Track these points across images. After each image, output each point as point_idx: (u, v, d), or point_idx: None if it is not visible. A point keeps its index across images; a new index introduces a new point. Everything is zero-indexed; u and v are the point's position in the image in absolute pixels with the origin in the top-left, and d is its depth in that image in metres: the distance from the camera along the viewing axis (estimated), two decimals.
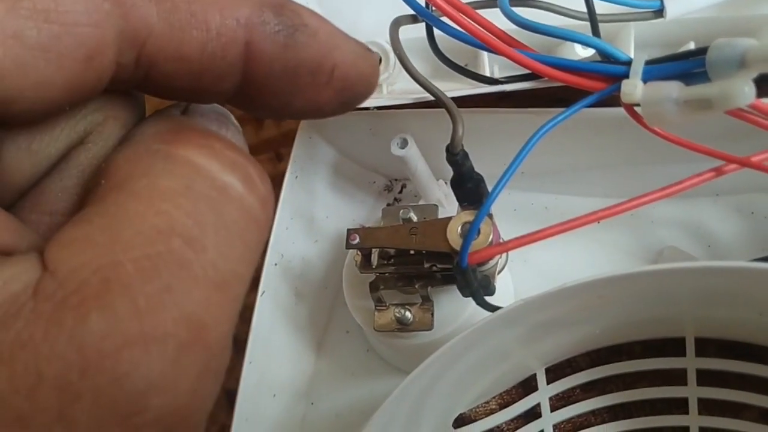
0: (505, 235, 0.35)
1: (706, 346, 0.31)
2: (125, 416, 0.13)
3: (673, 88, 0.23)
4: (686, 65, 0.23)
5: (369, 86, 0.20)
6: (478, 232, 0.27)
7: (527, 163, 0.33)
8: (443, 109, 0.26)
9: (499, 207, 0.36)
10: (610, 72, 0.25)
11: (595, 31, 0.29)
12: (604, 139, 0.32)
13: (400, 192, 0.38)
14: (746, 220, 0.33)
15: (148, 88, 0.18)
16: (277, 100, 0.18)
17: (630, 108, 0.25)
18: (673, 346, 0.31)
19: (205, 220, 0.15)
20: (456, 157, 0.26)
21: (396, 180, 0.38)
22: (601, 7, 0.32)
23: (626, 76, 0.25)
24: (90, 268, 0.14)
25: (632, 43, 0.36)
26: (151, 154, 0.16)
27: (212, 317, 0.14)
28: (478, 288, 0.26)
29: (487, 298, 0.28)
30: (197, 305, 0.14)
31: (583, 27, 0.30)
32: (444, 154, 0.27)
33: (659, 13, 0.31)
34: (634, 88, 0.24)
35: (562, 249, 0.34)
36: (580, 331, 0.30)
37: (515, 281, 0.35)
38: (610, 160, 0.34)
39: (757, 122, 0.25)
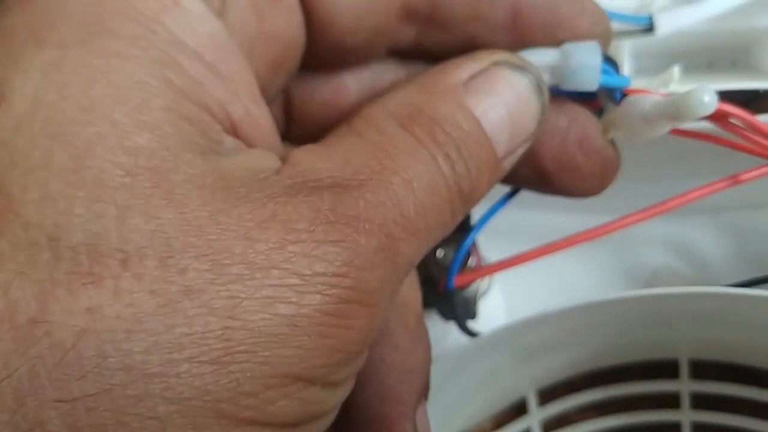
0: (500, 252, 0.35)
1: (702, 369, 0.30)
2: None
3: (644, 106, 0.22)
4: None
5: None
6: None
7: None
8: None
9: (492, 224, 0.35)
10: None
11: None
12: None
13: None
14: (741, 238, 0.32)
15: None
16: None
17: None
18: (670, 368, 0.31)
19: (419, 180, 0.16)
20: None
21: None
22: None
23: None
24: (326, 171, 0.15)
25: (626, 61, 0.36)
26: (388, 125, 0.17)
27: (406, 245, 0.15)
28: (459, 312, 0.26)
29: (473, 322, 0.28)
30: (400, 229, 0.15)
31: None
32: None
33: (649, 30, 0.31)
34: (611, 115, 0.23)
35: (556, 268, 0.34)
36: (569, 353, 0.30)
37: (509, 301, 0.34)
38: None
39: (748, 137, 0.25)
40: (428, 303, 0.29)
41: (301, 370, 0.13)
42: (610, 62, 0.23)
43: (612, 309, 0.26)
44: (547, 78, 0.19)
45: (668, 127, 0.22)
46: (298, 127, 0.20)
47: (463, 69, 0.18)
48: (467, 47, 0.19)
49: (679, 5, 0.31)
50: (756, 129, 0.23)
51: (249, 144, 0.16)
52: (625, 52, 0.36)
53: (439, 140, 0.16)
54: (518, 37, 0.19)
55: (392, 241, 0.15)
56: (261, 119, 0.16)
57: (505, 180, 0.20)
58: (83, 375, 0.12)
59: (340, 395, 0.15)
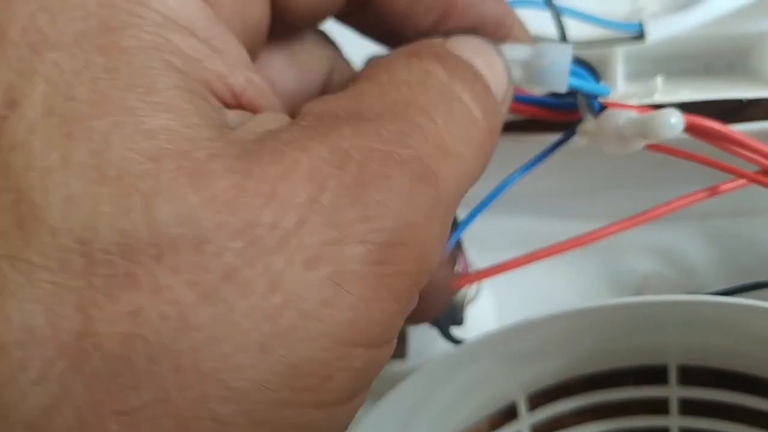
0: (489, 260, 0.35)
1: (691, 375, 0.31)
2: None
3: (618, 122, 0.23)
4: None
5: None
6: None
7: (512, 188, 0.33)
8: None
9: (484, 230, 0.36)
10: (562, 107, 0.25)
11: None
12: (586, 165, 0.32)
13: None
14: (727, 245, 0.32)
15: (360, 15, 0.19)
16: None
17: None
18: (658, 374, 0.31)
19: (435, 106, 0.15)
20: None
21: None
22: (581, 30, 0.32)
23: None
24: (340, 108, 0.15)
25: (619, 68, 0.36)
26: (393, 59, 0.17)
27: (443, 171, 0.15)
28: (444, 320, 0.26)
29: (461, 328, 0.28)
30: (429, 156, 0.14)
31: None
32: None
33: (640, 37, 0.31)
34: (588, 125, 0.24)
35: (547, 273, 0.34)
36: (558, 359, 0.30)
37: (499, 307, 0.34)
38: (593, 185, 0.33)
39: (725, 148, 0.25)
40: None
41: (354, 334, 0.13)
42: (590, 69, 0.23)
43: (599, 316, 0.26)
44: (519, 74, 0.20)
45: (641, 144, 0.22)
46: None
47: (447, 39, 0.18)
48: (397, 31, 0.19)
49: (670, 11, 0.31)
50: (732, 141, 0.23)
51: (255, 111, 0.15)
52: (619, 56, 0.36)
53: (447, 65, 0.16)
54: (447, 21, 0.19)
55: (427, 170, 0.14)
56: (262, 85, 0.16)
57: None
58: (137, 383, 0.11)
59: (389, 352, 0.14)
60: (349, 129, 0.14)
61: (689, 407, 0.30)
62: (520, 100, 0.26)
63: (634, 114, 0.22)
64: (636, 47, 0.33)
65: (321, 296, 0.12)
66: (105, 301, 0.11)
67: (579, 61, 0.22)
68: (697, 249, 0.33)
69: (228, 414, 0.12)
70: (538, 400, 0.32)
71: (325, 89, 0.20)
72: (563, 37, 0.29)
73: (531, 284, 0.34)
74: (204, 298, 0.12)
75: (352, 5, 0.19)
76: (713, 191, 0.24)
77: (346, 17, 0.20)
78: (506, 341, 0.26)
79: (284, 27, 0.18)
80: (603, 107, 0.23)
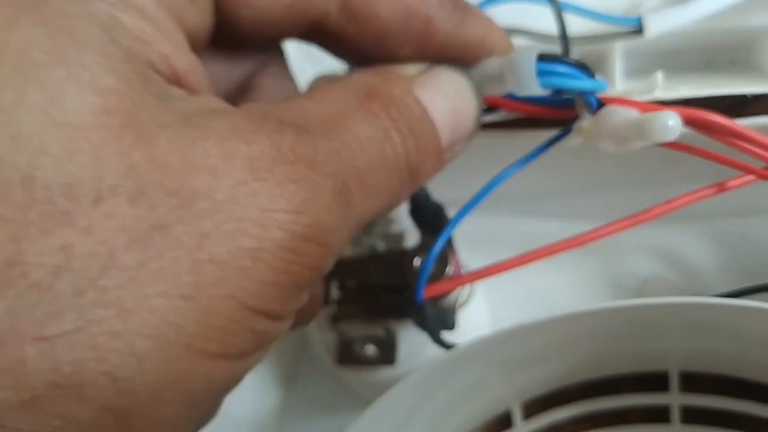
0: (485, 259, 0.34)
1: (693, 381, 0.29)
2: None
3: (615, 120, 0.22)
4: None
5: None
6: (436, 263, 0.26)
7: (508, 186, 0.32)
8: None
9: (477, 230, 0.34)
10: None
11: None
12: (585, 163, 0.31)
13: None
14: (732, 245, 0.31)
15: (332, 42, 0.20)
16: None
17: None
18: (660, 381, 0.30)
19: (370, 142, 0.17)
20: None
21: None
22: (580, 25, 0.31)
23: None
24: (287, 115, 0.16)
25: (617, 64, 0.35)
26: (346, 96, 0.18)
27: (357, 195, 0.17)
28: (434, 324, 0.25)
29: (454, 333, 0.27)
30: (352, 179, 0.16)
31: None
32: None
33: (638, 31, 0.30)
34: (583, 125, 0.23)
35: (543, 276, 0.33)
36: (554, 365, 0.29)
37: (494, 309, 0.33)
38: (593, 183, 0.32)
39: (731, 143, 0.24)
40: (405, 313, 0.28)
41: (260, 303, 0.14)
42: (581, 66, 0.22)
43: (597, 319, 0.25)
44: (500, 86, 0.20)
45: (639, 145, 0.21)
46: None
47: (411, 66, 0.19)
48: (377, 51, 0.20)
49: (669, 6, 0.30)
50: (737, 136, 0.22)
51: (194, 93, 0.16)
52: (617, 52, 0.35)
53: (392, 116, 0.18)
54: (427, 50, 0.20)
55: (347, 188, 0.16)
56: (202, 71, 0.17)
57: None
58: (60, 312, 0.12)
59: (284, 327, 0.16)
60: (291, 134, 0.15)
61: (691, 415, 0.29)
62: (519, 98, 0.25)
63: (630, 114, 0.21)
64: (635, 43, 0.32)
65: (239, 264, 0.14)
66: (38, 234, 0.12)
67: (565, 60, 0.21)
68: (699, 250, 0.32)
69: (146, 350, 0.13)
70: (533, 407, 0.30)
71: (253, 85, 0.21)
72: (563, 33, 0.28)
73: (526, 286, 0.33)
74: (133, 243, 0.13)
75: (317, 31, 0.19)
76: (721, 187, 0.23)
77: (312, 40, 0.20)
78: (500, 346, 0.25)
79: (237, 43, 0.19)
80: (601, 103, 0.22)
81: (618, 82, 0.35)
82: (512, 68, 0.20)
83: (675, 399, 0.29)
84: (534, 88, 0.20)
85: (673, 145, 0.22)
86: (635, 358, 0.29)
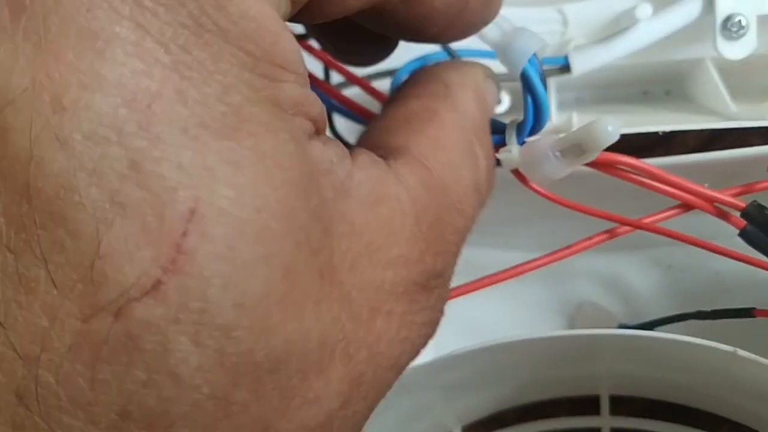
0: None
1: (623, 405, 0.31)
2: None
3: (547, 143, 0.23)
4: None
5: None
6: None
7: None
8: None
9: None
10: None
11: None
12: (515, 196, 0.32)
13: None
14: (664, 273, 0.33)
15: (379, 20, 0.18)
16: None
17: (516, 172, 0.25)
18: (592, 404, 0.31)
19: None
20: None
21: None
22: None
23: (504, 143, 0.24)
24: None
25: (551, 98, 0.37)
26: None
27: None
28: None
29: None
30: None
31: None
32: None
33: (566, 68, 0.31)
34: (510, 153, 0.24)
35: (484, 304, 0.34)
36: (491, 390, 0.30)
37: (438, 337, 0.34)
38: (527, 215, 0.34)
39: (642, 183, 0.25)
40: None
41: None
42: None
43: (530, 347, 0.26)
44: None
45: (578, 163, 0.22)
46: None
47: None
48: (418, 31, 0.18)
49: (593, 44, 0.31)
50: (646, 173, 0.24)
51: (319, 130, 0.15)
52: (551, 87, 0.37)
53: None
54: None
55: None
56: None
57: None
58: None
59: None
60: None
61: None
62: None
63: (553, 138, 0.22)
64: (568, 77, 0.34)
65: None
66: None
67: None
68: (630, 278, 0.33)
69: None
70: (474, 430, 0.32)
71: None
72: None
73: (467, 313, 0.34)
74: None
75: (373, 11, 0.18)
76: (611, 234, 0.25)
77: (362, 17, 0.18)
78: (438, 372, 0.26)
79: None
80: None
81: (553, 116, 0.37)
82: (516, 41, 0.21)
83: (606, 421, 0.30)
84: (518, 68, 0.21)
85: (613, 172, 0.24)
86: (568, 382, 0.30)
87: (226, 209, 0.11)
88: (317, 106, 0.14)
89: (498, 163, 0.23)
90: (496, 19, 0.21)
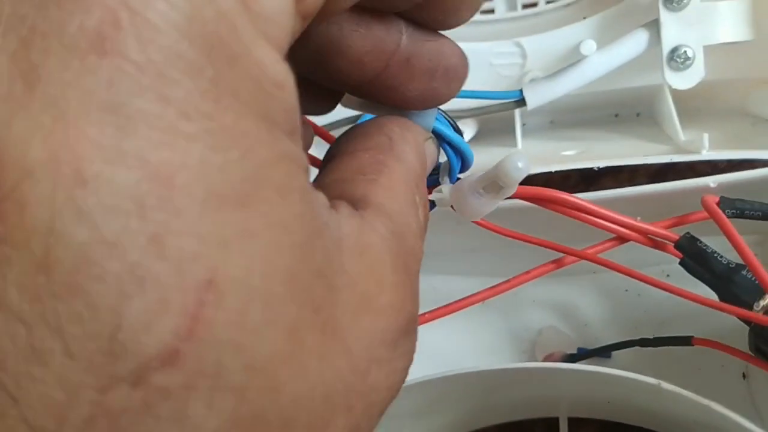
0: None
1: (581, 426, 0.32)
2: None
3: (469, 182, 0.24)
4: None
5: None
6: None
7: None
8: None
9: None
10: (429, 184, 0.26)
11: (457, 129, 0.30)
12: (470, 227, 0.33)
13: None
14: (620, 298, 0.34)
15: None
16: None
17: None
18: (551, 426, 0.32)
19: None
20: None
21: None
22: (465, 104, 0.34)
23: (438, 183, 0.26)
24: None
25: (519, 128, 0.38)
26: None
27: None
28: None
29: None
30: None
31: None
32: None
33: (521, 102, 0.32)
34: (441, 193, 0.25)
35: (447, 330, 0.35)
36: (452, 414, 0.31)
37: None
38: (486, 244, 0.35)
39: (579, 217, 0.26)
40: None
41: None
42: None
43: (488, 376, 0.27)
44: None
45: (496, 202, 0.23)
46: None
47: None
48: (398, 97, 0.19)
49: (545, 79, 0.32)
50: (581, 209, 0.25)
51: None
52: (516, 116, 0.38)
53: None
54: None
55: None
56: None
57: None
58: None
59: None
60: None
61: None
62: None
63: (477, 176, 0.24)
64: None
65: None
66: None
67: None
68: (589, 302, 0.34)
69: None
70: None
71: None
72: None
73: (428, 341, 0.35)
74: None
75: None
76: (558, 264, 0.26)
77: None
78: (400, 399, 0.27)
79: None
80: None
81: (519, 143, 0.38)
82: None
83: None
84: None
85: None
86: (528, 406, 0.31)
87: (238, 278, 0.11)
88: (305, 157, 0.14)
89: (432, 204, 0.24)
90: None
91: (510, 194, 0.23)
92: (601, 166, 0.29)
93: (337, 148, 0.19)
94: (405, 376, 0.15)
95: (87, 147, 0.10)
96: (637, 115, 0.43)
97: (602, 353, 0.31)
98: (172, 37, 0.11)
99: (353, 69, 0.18)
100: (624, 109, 0.43)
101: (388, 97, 0.19)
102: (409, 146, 0.19)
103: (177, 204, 0.11)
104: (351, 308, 0.13)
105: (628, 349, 0.30)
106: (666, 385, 0.22)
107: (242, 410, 0.11)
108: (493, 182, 0.22)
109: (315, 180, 0.18)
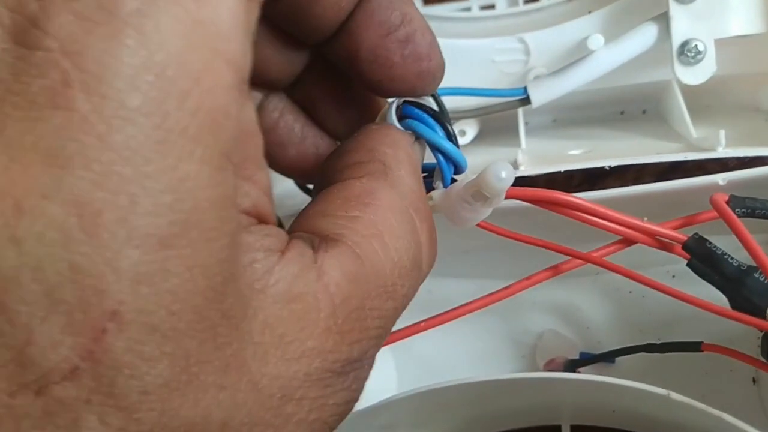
0: None
1: None
2: None
3: (456, 190, 0.23)
4: None
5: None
6: None
7: None
8: None
9: None
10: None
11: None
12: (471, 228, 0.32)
13: None
14: (624, 299, 0.33)
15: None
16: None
17: None
18: None
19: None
20: None
21: None
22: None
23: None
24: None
25: (522, 126, 0.37)
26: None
27: None
28: None
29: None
30: None
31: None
32: None
33: (525, 100, 0.31)
34: (432, 200, 0.24)
35: (445, 336, 0.34)
36: (442, 427, 0.30)
37: (400, 371, 0.34)
38: (484, 245, 0.34)
39: (584, 219, 0.25)
40: None
41: None
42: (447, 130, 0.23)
43: (487, 387, 0.26)
44: None
45: (484, 210, 0.22)
46: None
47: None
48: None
49: (550, 76, 0.31)
50: (585, 211, 0.24)
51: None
52: (519, 115, 0.37)
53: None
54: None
55: None
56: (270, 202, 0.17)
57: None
58: None
59: None
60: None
61: None
62: None
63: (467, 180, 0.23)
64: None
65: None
66: None
67: (430, 112, 0.22)
68: (591, 304, 0.33)
69: None
70: None
71: None
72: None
73: (428, 348, 0.34)
74: None
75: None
76: (556, 270, 0.25)
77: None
78: (376, 416, 0.26)
79: None
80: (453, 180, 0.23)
81: (522, 142, 0.37)
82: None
83: None
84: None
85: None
86: (530, 414, 0.30)
87: (143, 311, 0.12)
88: (264, 195, 0.16)
89: None
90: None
91: (498, 203, 0.22)
92: (613, 165, 0.28)
93: (329, 172, 0.19)
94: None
95: (29, 183, 0.12)
96: (644, 112, 0.42)
97: (606, 358, 0.30)
98: (119, 87, 0.12)
99: (330, 11, 0.19)
100: (630, 106, 0.42)
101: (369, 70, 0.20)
102: (404, 169, 0.19)
103: (100, 239, 0.12)
104: (263, 349, 0.14)
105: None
106: (675, 396, 0.21)
107: (131, 428, 0.13)
108: (479, 192, 0.22)
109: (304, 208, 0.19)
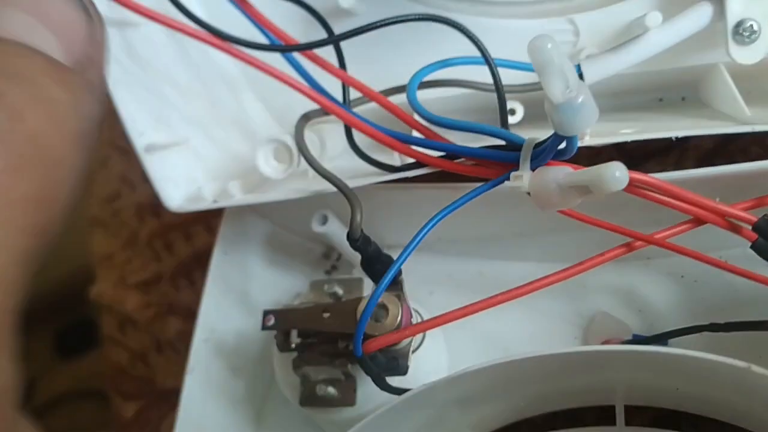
0: (439, 300, 0.35)
1: (639, 415, 0.31)
2: None
3: (557, 177, 0.23)
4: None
5: None
6: (386, 314, 0.27)
7: (459, 229, 0.33)
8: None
9: (432, 273, 0.36)
10: (503, 159, 0.25)
11: (503, 110, 0.29)
12: (525, 210, 0.32)
13: (338, 259, 0.38)
14: (676, 284, 0.33)
15: None
16: None
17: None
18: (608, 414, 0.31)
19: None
20: (357, 242, 0.26)
21: (333, 248, 0.38)
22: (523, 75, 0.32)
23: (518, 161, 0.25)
24: None
25: None
26: None
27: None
28: (379, 373, 0.26)
29: (410, 375, 0.28)
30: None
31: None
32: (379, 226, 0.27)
33: (579, 77, 0.31)
34: (520, 178, 0.24)
35: (498, 316, 0.34)
36: (503, 402, 0.30)
37: (453, 349, 0.34)
38: (536, 228, 0.34)
39: (656, 199, 0.25)
40: None
41: None
42: None
43: (544, 362, 0.26)
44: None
45: (578, 201, 0.22)
46: None
47: None
48: None
49: (605, 53, 0.31)
50: (659, 190, 0.24)
51: None
52: None
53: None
54: None
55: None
56: None
57: None
58: None
59: None
60: None
61: None
62: (450, 150, 0.26)
63: (562, 172, 0.23)
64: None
65: None
66: None
67: None
68: (648, 286, 0.33)
69: None
70: None
71: None
72: (498, 85, 0.29)
73: (483, 327, 0.34)
74: None
75: None
76: (629, 248, 0.25)
77: None
78: (449, 389, 0.26)
79: None
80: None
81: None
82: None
83: None
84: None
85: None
86: (583, 394, 0.30)
87: None
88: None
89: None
90: (568, 76, 0.22)
91: (596, 200, 0.22)
92: (681, 135, 0.28)
93: None
94: None
95: None
96: (683, 99, 0.42)
97: (659, 340, 0.30)
98: None
99: None
100: (669, 92, 0.42)
101: None
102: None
103: None
104: None
105: (683, 337, 0.29)
106: (756, 368, 0.21)
107: None
108: (582, 185, 0.22)
109: None
